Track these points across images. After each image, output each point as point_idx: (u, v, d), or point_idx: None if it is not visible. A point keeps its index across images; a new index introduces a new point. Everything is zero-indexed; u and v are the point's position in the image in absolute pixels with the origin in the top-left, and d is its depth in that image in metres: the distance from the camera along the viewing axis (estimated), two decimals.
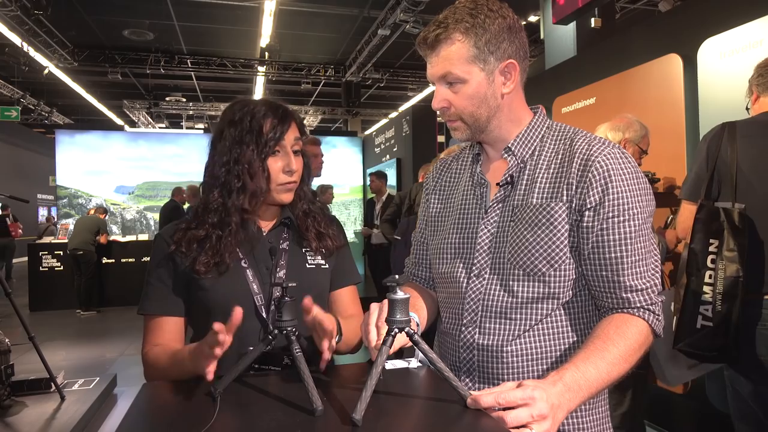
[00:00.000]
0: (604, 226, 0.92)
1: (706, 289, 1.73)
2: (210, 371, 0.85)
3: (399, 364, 1.04)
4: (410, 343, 0.92)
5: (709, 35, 2.83)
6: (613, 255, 0.92)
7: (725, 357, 1.75)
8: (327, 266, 1.24)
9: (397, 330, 0.82)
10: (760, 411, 1.70)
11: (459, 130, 1.01)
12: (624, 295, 0.92)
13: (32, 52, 8.59)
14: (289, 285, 0.91)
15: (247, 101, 1.17)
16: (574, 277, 0.96)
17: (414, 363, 1.04)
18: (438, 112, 1.03)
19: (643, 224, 0.93)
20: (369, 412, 0.76)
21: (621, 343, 0.88)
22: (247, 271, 1.14)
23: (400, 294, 0.82)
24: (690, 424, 2.88)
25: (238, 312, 0.85)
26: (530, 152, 1.01)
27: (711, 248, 1.73)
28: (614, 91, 3.60)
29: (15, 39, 8.20)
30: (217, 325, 0.82)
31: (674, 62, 3.07)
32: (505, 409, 0.76)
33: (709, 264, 1.74)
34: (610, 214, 0.91)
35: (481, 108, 0.97)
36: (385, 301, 0.88)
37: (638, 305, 0.92)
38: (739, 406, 1.78)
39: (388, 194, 5.11)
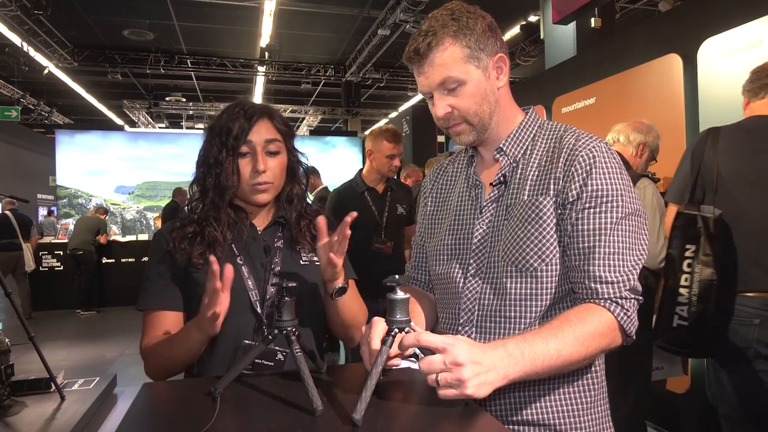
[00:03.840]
0: (580, 216, 0.92)
1: (682, 290, 1.83)
2: (218, 324, 0.96)
3: (406, 364, 1.04)
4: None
5: (709, 35, 2.83)
6: (585, 245, 0.91)
7: (698, 353, 1.90)
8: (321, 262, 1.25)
9: (397, 330, 0.82)
10: (734, 395, 1.81)
11: (464, 133, 1.01)
12: (593, 286, 0.90)
13: (32, 52, 8.59)
14: (290, 285, 0.91)
15: (230, 106, 1.20)
16: (565, 272, 0.97)
17: (405, 363, 1.04)
18: (437, 121, 1.02)
19: (623, 218, 0.91)
20: (369, 412, 0.76)
21: (578, 326, 0.86)
22: (243, 267, 1.16)
23: (400, 294, 0.82)
24: (691, 424, 2.88)
25: (228, 269, 0.92)
26: (522, 151, 1.02)
27: (687, 253, 1.82)
28: (614, 91, 3.60)
29: (15, 39, 8.20)
30: (212, 258, 0.91)
31: (674, 62, 3.07)
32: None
33: (685, 268, 1.82)
34: (587, 205, 0.92)
35: (483, 105, 0.98)
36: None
37: (605, 296, 0.90)
38: (718, 390, 1.90)
39: (324, 187, 4.94)
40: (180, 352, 1.07)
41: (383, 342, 0.83)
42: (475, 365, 0.75)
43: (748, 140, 1.83)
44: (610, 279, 0.90)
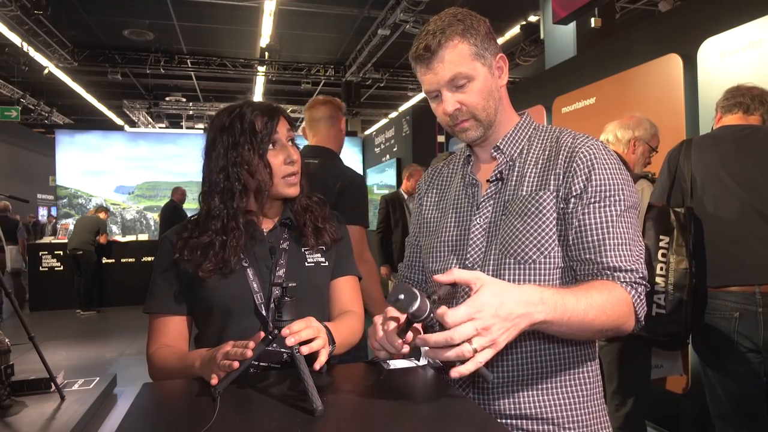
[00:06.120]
0: (587, 210, 0.95)
1: (658, 280, 1.92)
2: (216, 379, 0.90)
3: (404, 363, 1.04)
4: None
5: (709, 35, 2.84)
6: (595, 238, 0.94)
7: (677, 344, 1.97)
8: (327, 264, 1.25)
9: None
10: (722, 392, 1.88)
11: (471, 129, 1.03)
12: (608, 273, 0.93)
13: (32, 52, 8.58)
14: (290, 285, 0.91)
15: (234, 106, 1.19)
16: (562, 265, 0.99)
17: (422, 361, 1.04)
18: (440, 119, 1.04)
19: (625, 212, 0.95)
20: (369, 411, 0.76)
21: (605, 292, 0.88)
22: (248, 270, 1.16)
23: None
24: (690, 424, 2.88)
25: (258, 336, 0.93)
26: (518, 151, 1.06)
27: (662, 244, 1.94)
28: (614, 91, 3.61)
29: (15, 39, 8.19)
30: (249, 348, 0.90)
31: (674, 62, 3.07)
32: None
33: (660, 258, 1.93)
34: (593, 200, 0.95)
35: (489, 101, 1.02)
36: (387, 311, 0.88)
37: (623, 280, 0.92)
38: (709, 390, 1.98)
39: None
40: (180, 375, 1.07)
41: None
42: (504, 321, 0.75)
43: (718, 147, 1.96)
44: (624, 267, 0.93)
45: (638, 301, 0.93)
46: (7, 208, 7.83)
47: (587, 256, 0.95)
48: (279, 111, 1.20)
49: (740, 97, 2.00)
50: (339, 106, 2.36)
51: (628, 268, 0.92)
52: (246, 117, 1.15)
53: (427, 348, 0.79)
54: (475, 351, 0.73)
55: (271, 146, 1.16)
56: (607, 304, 0.88)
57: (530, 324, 0.79)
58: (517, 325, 0.77)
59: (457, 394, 0.91)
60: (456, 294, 1.02)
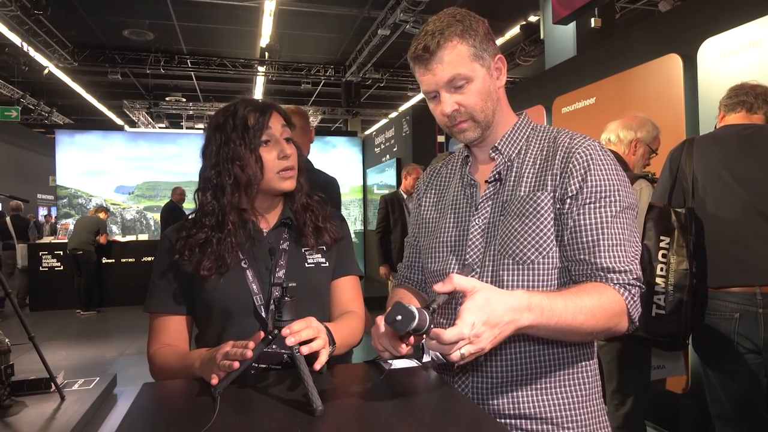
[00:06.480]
0: (582, 211, 0.95)
1: (659, 280, 1.91)
2: (216, 379, 0.91)
3: (405, 363, 1.04)
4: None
5: (709, 35, 2.84)
6: (589, 238, 0.94)
7: (676, 344, 1.96)
8: (327, 264, 1.25)
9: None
10: (722, 393, 1.89)
11: (469, 130, 1.03)
12: (601, 274, 0.93)
13: (32, 52, 8.58)
14: (289, 285, 0.91)
15: (229, 105, 1.20)
16: (560, 265, 0.99)
17: (426, 358, 1.05)
18: (439, 120, 1.05)
19: (621, 212, 0.95)
20: (370, 411, 0.76)
21: (596, 296, 0.89)
22: (247, 271, 1.15)
23: (399, 318, 0.79)
24: (690, 424, 2.88)
25: (258, 336, 0.93)
26: (516, 151, 1.06)
27: (662, 244, 1.93)
28: (614, 91, 3.61)
29: (15, 39, 8.19)
30: (249, 349, 0.90)
31: (674, 62, 3.07)
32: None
33: (660, 258, 1.92)
34: (588, 200, 0.95)
35: (488, 102, 1.02)
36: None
37: (616, 282, 0.92)
38: (709, 390, 1.99)
39: None
40: (181, 375, 1.07)
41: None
42: (493, 328, 0.77)
43: (720, 146, 1.95)
44: (618, 268, 0.92)
45: (632, 302, 0.92)
46: (20, 207, 8.02)
47: (581, 256, 0.95)
48: (272, 107, 1.19)
49: (744, 96, 1.99)
50: (307, 116, 2.51)
51: (622, 269, 0.92)
52: (239, 113, 1.15)
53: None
54: (463, 357, 0.76)
55: (264, 143, 1.15)
56: (597, 307, 0.88)
57: (516, 329, 0.80)
58: (503, 331, 0.79)
59: (457, 394, 0.91)
60: (454, 297, 1.02)
